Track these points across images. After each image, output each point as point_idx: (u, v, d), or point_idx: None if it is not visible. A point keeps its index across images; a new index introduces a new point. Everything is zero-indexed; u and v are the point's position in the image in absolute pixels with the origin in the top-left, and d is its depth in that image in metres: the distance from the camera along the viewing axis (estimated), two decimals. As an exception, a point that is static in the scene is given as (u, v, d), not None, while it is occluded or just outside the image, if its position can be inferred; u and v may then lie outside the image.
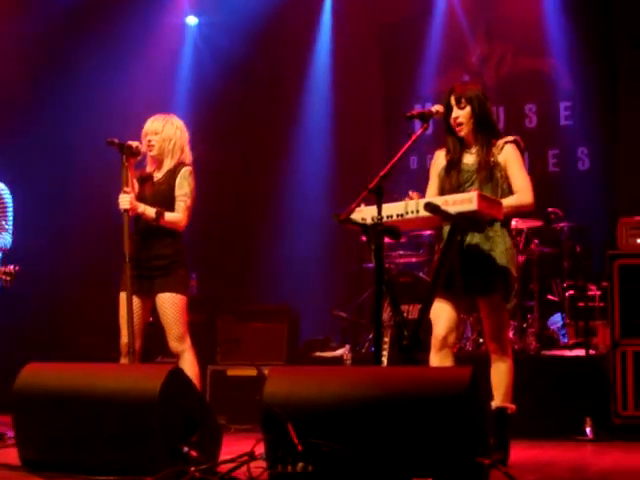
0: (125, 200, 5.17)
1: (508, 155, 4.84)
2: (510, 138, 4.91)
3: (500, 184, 4.79)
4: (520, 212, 4.93)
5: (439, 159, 5.02)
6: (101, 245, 8.18)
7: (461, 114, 4.85)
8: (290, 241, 9.46)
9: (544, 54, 9.38)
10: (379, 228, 4.20)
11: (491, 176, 4.80)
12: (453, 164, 4.91)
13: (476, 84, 5.12)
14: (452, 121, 4.87)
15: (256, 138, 10.01)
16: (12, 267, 5.93)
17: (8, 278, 5.92)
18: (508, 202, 4.69)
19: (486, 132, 4.87)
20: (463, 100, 4.84)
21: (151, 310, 5.40)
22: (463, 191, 4.72)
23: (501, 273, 4.75)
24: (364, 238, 4.45)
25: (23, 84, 8.58)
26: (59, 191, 8.90)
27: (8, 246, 6.10)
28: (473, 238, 4.75)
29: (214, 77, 9.97)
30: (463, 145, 4.93)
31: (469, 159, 4.89)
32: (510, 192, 4.81)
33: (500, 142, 4.88)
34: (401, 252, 8.23)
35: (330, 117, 9.84)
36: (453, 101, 4.86)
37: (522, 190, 4.79)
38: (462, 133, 4.88)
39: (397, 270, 8.25)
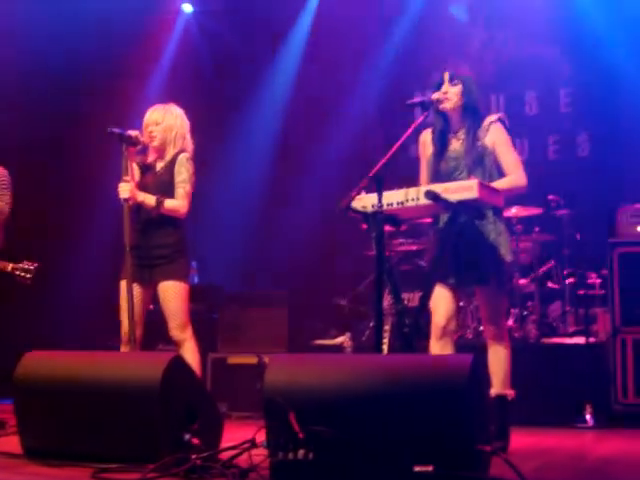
0: (125, 189, 5.16)
1: (495, 136, 4.82)
2: (494, 117, 4.89)
3: (488, 168, 4.77)
4: (514, 193, 4.89)
5: (426, 143, 4.98)
6: (102, 234, 8.19)
7: (451, 90, 4.83)
8: (290, 228, 9.45)
9: (544, 40, 9.35)
10: (380, 216, 4.20)
11: (479, 161, 4.78)
12: (440, 150, 4.88)
13: (470, 72, 5.09)
14: (440, 94, 4.82)
15: (253, 127, 9.99)
16: (28, 263, 5.83)
17: (28, 275, 5.82)
18: (501, 184, 4.67)
19: (472, 118, 4.85)
20: (456, 77, 4.84)
21: (152, 298, 5.41)
22: (453, 179, 4.71)
23: (495, 261, 4.74)
24: (365, 226, 4.45)
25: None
26: (61, 182, 8.92)
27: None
28: (464, 226, 4.70)
29: (208, 65, 9.95)
30: (448, 127, 4.90)
31: (455, 145, 4.86)
32: (500, 175, 4.78)
33: (485, 123, 4.85)
34: (401, 240, 8.22)
35: (329, 106, 9.81)
36: (446, 77, 4.84)
37: (514, 171, 4.77)
38: (446, 105, 4.82)
39: (397, 258, 8.25)
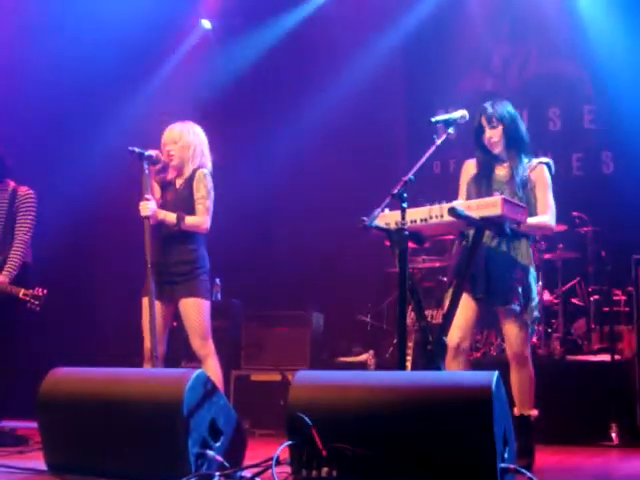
0: (146, 207, 5.21)
1: (539, 175, 4.93)
2: (544, 159, 5.00)
3: (528, 198, 4.82)
4: (538, 232, 4.96)
5: (469, 170, 5.07)
6: (124, 252, 8.21)
7: (495, 133, 4.93)
8: (314, 246, 9.44)
9: (567, 57, 9.32)
10: (403, 233, 4.20)
11: (523, 187, 4.84)
12: (484, 174, 4.95)
13: (503, 100, 5.12)
14: (486, 141, 4.96)
15: (275, 143, 9.98)
16: (40, 290, 5.90)
17: (36, 302, 5.89)
18: (530, 220, 4.70)
19: (517, 147, 4.96)
20: (494, 119, 4.92)
21: (174, 315, 5.43)
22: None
23: (522, 285, 4.76)
24: (388, 243, 4.45)
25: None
26: (82, 198, 8.95)
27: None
28: (498, 247, 4.77)
29: (227, 81, 9.96)
30: (495, 160, 4.98)
31: (501, 171, 4.97)
32: (533, 209, 4.85)
33: (534, 161, 4.96)
34: (424, 257, 8.21)
35: (352, 122, 9.79)
36: (484, 121, 4.93)
37: (544, 212, 4.86)
38: (497, 150, 4.97)
39: (421, 275, 8.23)
